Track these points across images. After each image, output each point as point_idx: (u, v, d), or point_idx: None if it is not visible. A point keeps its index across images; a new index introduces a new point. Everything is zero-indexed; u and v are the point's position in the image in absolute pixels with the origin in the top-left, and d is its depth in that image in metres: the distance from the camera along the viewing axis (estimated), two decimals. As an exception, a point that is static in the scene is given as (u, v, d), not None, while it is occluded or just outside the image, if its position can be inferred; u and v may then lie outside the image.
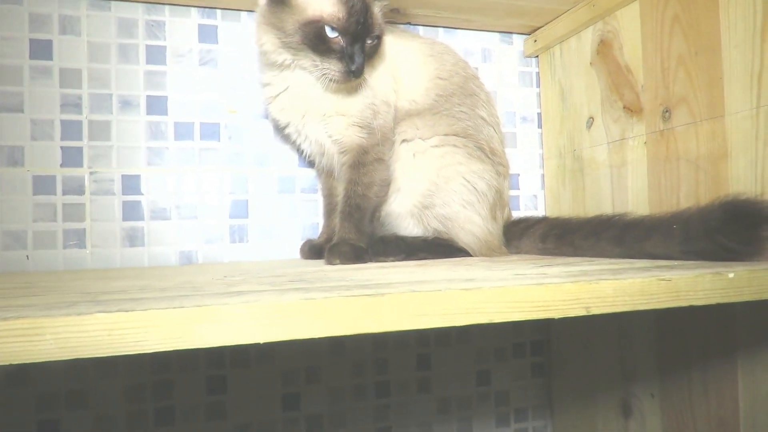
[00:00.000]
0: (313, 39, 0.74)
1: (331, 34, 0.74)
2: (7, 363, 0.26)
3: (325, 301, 0.31)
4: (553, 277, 0.42)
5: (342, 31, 0.74)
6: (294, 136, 0.89)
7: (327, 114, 0.82)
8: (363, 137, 0.82)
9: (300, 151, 0.94)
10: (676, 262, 0.55)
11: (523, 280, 0.40)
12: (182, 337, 0.29)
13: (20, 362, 0.27)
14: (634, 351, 0.91)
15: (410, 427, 1.06)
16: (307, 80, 0.81)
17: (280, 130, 0.93)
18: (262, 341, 0.30)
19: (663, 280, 0.39)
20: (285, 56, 0.79)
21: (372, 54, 0.80)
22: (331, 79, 0.76)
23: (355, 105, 0.82)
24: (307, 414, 0.99)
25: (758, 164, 0.70)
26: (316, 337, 0.31)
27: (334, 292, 0.34)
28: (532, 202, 1.17)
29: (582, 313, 0.37)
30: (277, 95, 0.85)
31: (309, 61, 0.77)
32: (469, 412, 1.10)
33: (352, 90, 0.81)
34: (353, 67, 0.74)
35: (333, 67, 0.75)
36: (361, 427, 1.02)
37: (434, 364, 1.07)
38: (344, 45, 0.74)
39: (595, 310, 0.37)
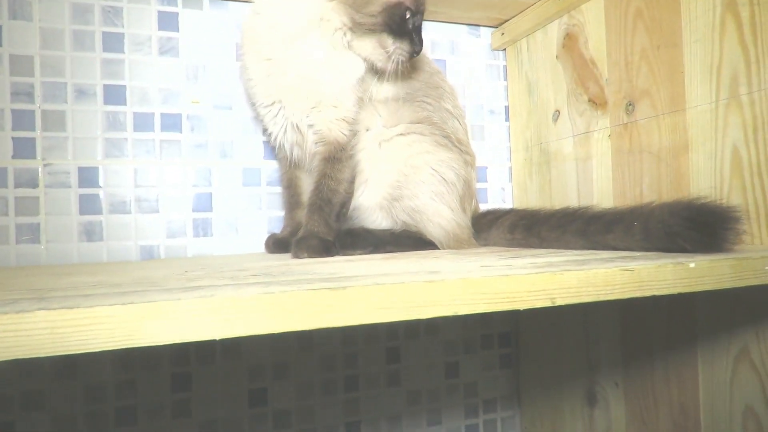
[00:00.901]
0: (397, 20, 0.77)
1: (407, 16, 0.78)
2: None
3: (284, 295, 0.30)
4: (518, 268, 0.42)
5: (415, 13, 0.79)
6: (270, 118, 0.85)
7: (321, 102, 0.81)
8: (344, 134, 0.82)
9: (268, 135, 0.89)
10: (638, 253, 0.55)
11: (489, 272, 0.39)
12: (133, 335, 0.27)
13: (-47, 364, 0.25)
14: (600, 342, 0.92)
15: (380, 420, 1.05)
16: (322, 65, 0.80)
17: (255, 107, 0.88)
18: (218, 338, 0.29)
19: (626, 270, 0.39)
20: (347, 38, 0.79)
21: None
22: (398, 61, 0.79)
23: (350, 97, 0.82)
24: (274, 409, 0.98)
25: (717, 157, 0.72)
26: (276, 332, 0.30)
27: (295, 285, 0.33)
28: (500, 194, 1.17)
29: (547, 304, 0.36)
30: (282, 73, 0.81)
31: (374, 43, 0.79)
32: (438, 404, 1.10)
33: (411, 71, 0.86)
34: (417, 48, 0.79)
35: (404, 47, 0.79)
36: (330, 421, 1.01)
37: (403, 357, 1.07)
38: (412, 27, 0.79)
39: (561, 301, 0.37)
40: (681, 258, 0.45)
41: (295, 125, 0.84)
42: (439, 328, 1.10)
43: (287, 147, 0.88)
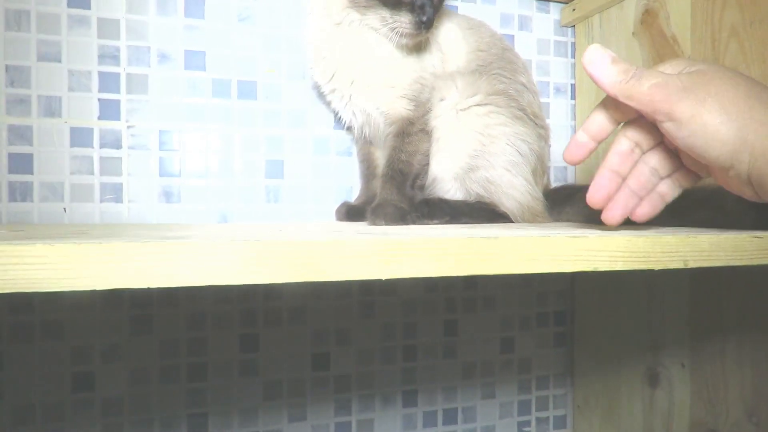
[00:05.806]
0: None
1: None
2: (146, 286, 0.26)
3: (445, 240, 0.31)
4: (633, 236, 0.42)
5: None
6: (336, 103, 0.88)
7: (376, 85, 0.82)
8: (410, 109, 0.82)
9: (339, 118, 0.92)
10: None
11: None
12: (308, 272, 0.29)
13: (153, 286, 0.27)
14: (664, 320, 0.92)
15: (436, 390, 1.07)
16: (361, 45, 0.80)
17: (322, 95, 0.92)
18: (384, 278, 0.30)
19: (756, 237, 0.39)
20: (352, 16, 0.79)
21: (439, 7, 0.79)
22: (401, 34, 0.76)
23: (405, 77, 0.82)
24: (335, 374, 1.00)
25: (812, 137, 0.70)
26: (434, 276, 0.31)
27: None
28: (562, 173, 1.17)
29: (680, 266, 0.37)
30: (325, 58, 0.84)
31: (378, 18, 0.77)
32: (492, 378, 1.11)
33: (416, 50, 0.82)
34: (424, 18, 0.74)
35: (404, 19, 0.75)
36: (389, 388, 1.04)
37: (461, 330, 1.08)
38: None
39: (693, 264, 0.37)
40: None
41: (360, 109, 0.86)
42: (496, 303, 1.11)
43: (357, 127, 0.90)
